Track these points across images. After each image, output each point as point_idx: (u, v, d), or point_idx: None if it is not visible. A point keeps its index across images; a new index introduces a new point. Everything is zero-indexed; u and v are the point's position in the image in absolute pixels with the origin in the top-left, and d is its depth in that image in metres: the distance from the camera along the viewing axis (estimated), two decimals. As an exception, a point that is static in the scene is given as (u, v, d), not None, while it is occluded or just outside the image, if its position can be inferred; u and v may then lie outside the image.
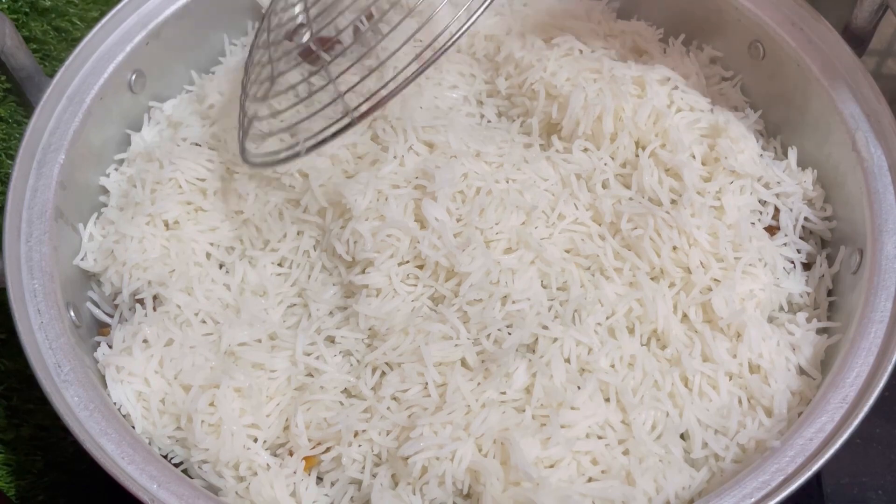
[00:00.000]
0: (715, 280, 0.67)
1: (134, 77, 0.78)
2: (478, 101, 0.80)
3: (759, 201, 0.72)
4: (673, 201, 0.71)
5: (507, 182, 0.72)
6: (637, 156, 0.73)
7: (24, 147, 0.69)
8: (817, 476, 0.55)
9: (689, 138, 0.73)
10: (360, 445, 0.62)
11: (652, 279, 0.68)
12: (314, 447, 0.62)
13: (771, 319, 0.67)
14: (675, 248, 0.68)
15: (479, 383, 0.62)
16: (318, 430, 0.62)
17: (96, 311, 0.71)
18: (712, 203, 0.70)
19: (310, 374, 0.66)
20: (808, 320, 0.67)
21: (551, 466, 0.59)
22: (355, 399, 0.65)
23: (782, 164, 0.75)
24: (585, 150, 0.74)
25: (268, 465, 0.62)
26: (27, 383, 0.63)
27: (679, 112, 0.75)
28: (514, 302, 0.66)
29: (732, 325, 0.65)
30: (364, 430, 0.61)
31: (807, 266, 0.71)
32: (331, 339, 0.67)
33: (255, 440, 0.63)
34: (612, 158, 0.74)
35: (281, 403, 0.65)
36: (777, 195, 0.73)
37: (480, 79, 0.82)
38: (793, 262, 0.70)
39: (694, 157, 0.73)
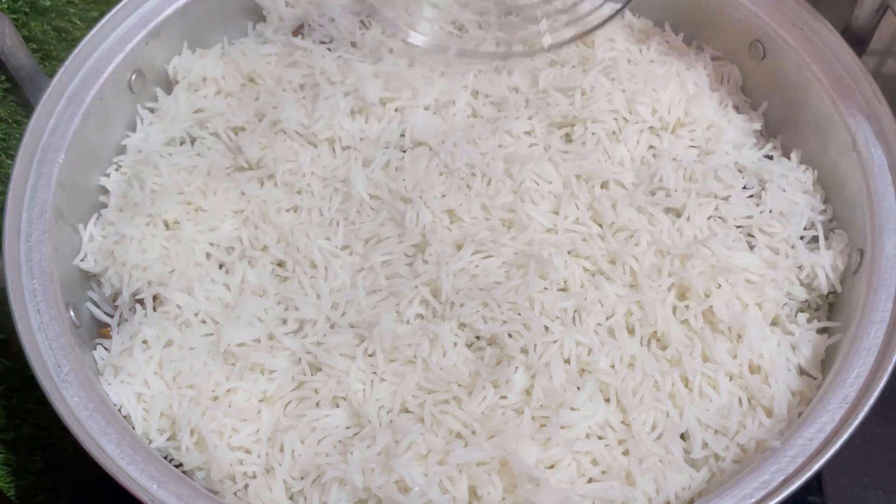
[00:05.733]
0: (717, 285, 0.67)
1: (134, 77, 0.78)
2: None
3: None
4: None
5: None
6: (635, 159, 0.74)
7: (23, 147, 0.69)
8: (817, 476, 0.55)
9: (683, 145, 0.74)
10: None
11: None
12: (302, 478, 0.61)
13: (773, 322, 0.67)
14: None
15: (484, 398, 0.62)
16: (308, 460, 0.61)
17: (96, 312, 0.71)
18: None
19: (311, 372, 0.66)
20: (809, 320, 0.67)
21: (551, 467, 0.59)
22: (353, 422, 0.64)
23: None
24: (584, 150, 0.74)
25: (265, 469, 0.61)
26: (27, 383, 0.63)
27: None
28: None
29: (733, 327, 0.64)
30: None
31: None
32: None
33: (249, 451, 0.62)
34: (611, 159, 0.74)
35: (275, 413, 0.64)
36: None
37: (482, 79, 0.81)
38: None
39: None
